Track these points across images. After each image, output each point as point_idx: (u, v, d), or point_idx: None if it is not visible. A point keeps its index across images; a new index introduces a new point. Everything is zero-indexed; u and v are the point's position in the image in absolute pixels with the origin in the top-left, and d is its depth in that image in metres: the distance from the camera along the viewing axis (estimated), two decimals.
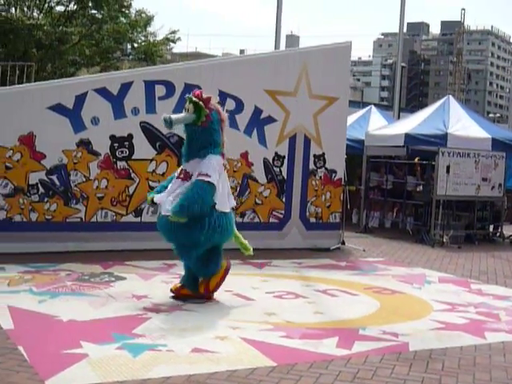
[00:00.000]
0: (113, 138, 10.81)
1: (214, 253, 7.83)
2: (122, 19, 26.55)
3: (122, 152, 10.89)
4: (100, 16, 25.77)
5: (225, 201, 7.75)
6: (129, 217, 10.99)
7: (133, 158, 10.96)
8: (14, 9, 24.35)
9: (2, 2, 23.68)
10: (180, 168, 7.93)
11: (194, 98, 7.64)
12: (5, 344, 5.90)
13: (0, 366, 5.34)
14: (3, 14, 22.35)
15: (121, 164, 10.90)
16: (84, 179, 10.66)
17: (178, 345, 6.08)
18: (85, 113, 10.60)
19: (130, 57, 28.67)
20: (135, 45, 27.41)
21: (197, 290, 7.86)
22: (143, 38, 27.71)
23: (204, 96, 7.70)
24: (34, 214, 10.37)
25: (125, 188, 10.94)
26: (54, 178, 10.46)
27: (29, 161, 10.28)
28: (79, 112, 10.56)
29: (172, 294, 7.92)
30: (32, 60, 19.94)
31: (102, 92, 10.74)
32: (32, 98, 10.35)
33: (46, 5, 25.37)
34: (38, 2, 25.09)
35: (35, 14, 25.03)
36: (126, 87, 10.92)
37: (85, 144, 10.63)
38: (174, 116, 7.64)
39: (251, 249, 8.28)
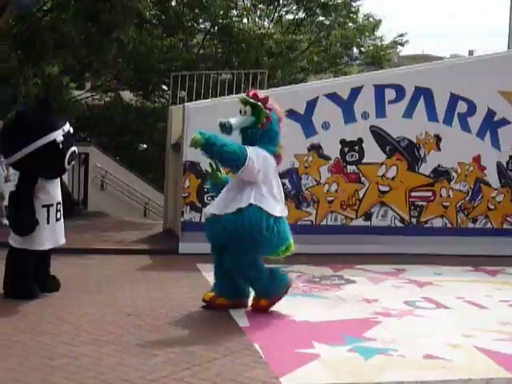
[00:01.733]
0: (343, 142, 10.91)
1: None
2: (350, 24, 26.68)
3: (352, 156, 10.96)
4: (328, 22, 26.08)
5: (269, 204, 6.93)
6: (358, 220, 11.03)
7: (363, 162, 10.99)
8: (246, 19, 25.30)
9: (235, 14, 24.69)
10: None
11: (251, 100, 6.98)
12: (242, 341, 6.13)
13: (237, 362, 5.54)
14: (236, 25, 23.28)
15: (351, 168, 10.97)
16: (315, 183, 10.85)
17: (409, 350, 5.97)
18: (316, 118, 10.78)
19: (358, 61, 28.72)
20: (363, 49, 27.42)
21: (237, 299, 7.25)
22: (371, 42, 27.64)
23: (260, 96, 7.04)
24: None
25: (354, 192, 11.00)
26: (286, 181, 10.71)
27: None
28: (310, 117, 10.77)
29: (203, 304, 7.28)
30: (263, 68, 20.57)
31: (333, 97, 10.87)
32: None
33: (276, 14, 26.10)
34: (268, 12, 25.89)
35: (265, 23, 25.84)
36: (355, 92, 10.98)
37: (316, 148, 10.82)
38: (232, 120, 6.92)
39: None
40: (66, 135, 7.45)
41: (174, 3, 22.26)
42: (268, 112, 6.93)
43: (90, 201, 16.33)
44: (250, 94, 7.03)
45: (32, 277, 7.50)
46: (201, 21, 23.44)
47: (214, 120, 10.38)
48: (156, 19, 22.45)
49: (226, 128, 6.84)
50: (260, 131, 6.96)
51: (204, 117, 10.55)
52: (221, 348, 5.86)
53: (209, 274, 8.94)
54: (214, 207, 7.07)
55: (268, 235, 6.89)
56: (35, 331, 6.29)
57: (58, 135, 7.34)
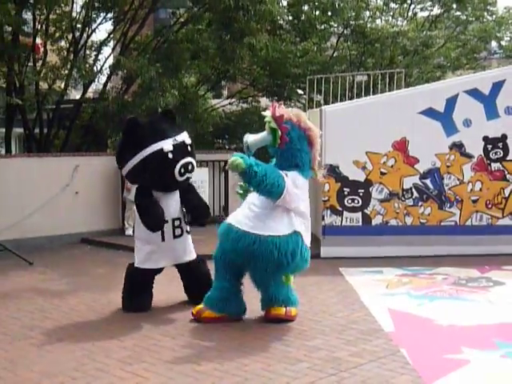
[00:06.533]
0: (486, 139, 10.55)
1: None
2: (488, 17, 25.85)
3: (496, 153, 10.57)
4: (464, 17, 25.40)
5: (307, 233, 6.78)
6: (505, 220, 10.62)
7: (507, 158, 10.58)
8: (379, 20, 25.02)
9: (368, 14, 24.47)
10: None
11: (266, 118, 6.55)
12: (388, 346, 6.03)
13: (384, 368, 5.46)
14: (368, 25, 23.09)
15: (495, 165, 10.59)
16: (458, 182, 10.55)
17: None
18: (456, 115, 10.48)
19: (497, 55, 27.78)
20: (503, 43, 26.49)
21: (230, 313, 6.88)
22: (511, 36, 26.68)
23: (276, 113, 6.51)
24: (408, 217, 10.52)
25: (500, 190, 10.60)
26: (428, 181, 10.51)
27: (402, 166, 10.47)
28: (451, 115, 10.48)
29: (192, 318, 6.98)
30: (398, 67, 20.26)
31: (473, 93, 10.53)
32: (404, 104, 10.54)
33: (410, 12, 25.67)
34: (401, 10, 25.49)
35: (399, 21, 25.46)
36: (497, 86, 10.59)
37: (457, 147, 10.52)
38: (250, 139, 6.59)
39: None
40: (178, 145, 7.19)
41: (306, 7, 22.32)
42: (281, 131, 6.51)
43: (231, 208, 16.54)
44: (271, 110, 6.59)
45: (147, 291, 7.46)
46: (333, 23, 23.37)
47: (352, 122, 10.44)
48: (289, 24, 22.58)
49: (245, 146, 6.63)
50: (279, 150, 6.66)
51: (341, 119, 10.54)
52: (367, 353, 5.79)
53: (352, 278, 8.91)
54: (242, 223, 6.66)
55: (299, 262, 6.74)
56: (182, 337, 6.43)
57: (166, 144, 7.12)
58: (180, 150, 7.21)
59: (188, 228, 7.60)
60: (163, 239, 7.34)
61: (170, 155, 7.11)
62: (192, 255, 7.60)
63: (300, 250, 6.64)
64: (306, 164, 6.76)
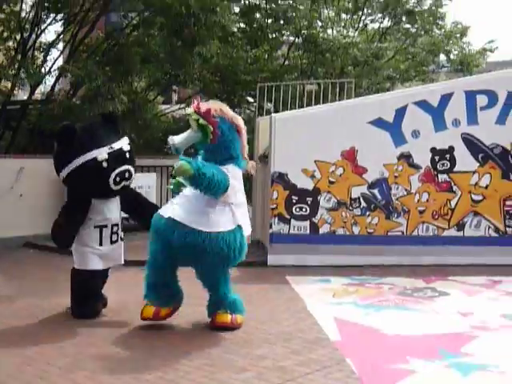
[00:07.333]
0: (433, 150, 10.65)
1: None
2: (437, 31, 26.23)
3: (444, 165, 10.68)
4: (414, 30, 25.73)
5: (246, 225, 6.79)
6: (451, 231, 10.72)
7: (454, 170, 10.69)
8: (330, 30, 25.19)
9: (320, 24, 24.61)
10: None
11: (193, 116, 6.46)
12: (334, 355, 6.00)
13: (329, 377, 5.43)
14: (320, 35, 23.22)
15: (442, 177, 10.69)
16: (405, 192, 10.63)
17: (511, 366, 5.72)
18: (405, 126, 10.57)
19: (445, 69, 28.16)
20: (451, 56, 26.90)
21: (173, 305, 6.93)
22: (459, 49, 27.11)
23: (202, 109, 6.44)
24: (356, 227, 10.56)
25: (446, 201, 10.70)
26: (376, 191, 10.58)
27: (351, 175, 10.51)
28: (399, 125, 10.56)
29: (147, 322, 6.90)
30: (348, 77, 20.40)
31: (422, 104, 10.64)
32: (353, 114, 10.58)
33: (361, 23, 25.91)
34: (352, 21, 25.70)
35: (350, 32, 25.67)
36: (446, 99, 10.71)
37: (406, 157, 10.60)
38: (176, 139, 6.43)
39: None
40: (115, 153, 7.11)
41: (258, 15, 22.33)
42: (212, 126, 6.43)
43: None
44: (194, 107, 6.50)
45: (95, 296, 7.38)
46: (285, 32, 23.44)
47: (301, 131, 10.45)
48: (240, 31, 22.57)
49: (173, 149, 6.48)
50: (211, 146, 6.55)
51: (291, 127, 10.54)
52: (313, 363, 5.75)
53: (299, 286, 8.89)
54: (186, 219, 6.54)
55: (242, 254, 6.77)
56: (126, 344, 6.32)
57: (100, 153, 7.03)
58: (116, 157, 7.14)
59: (122, 235, 7.61)
60: (101, 244, 7.32)
61: (105, 164, 7.04)
62: (121, 261, 7.66)
63: (242, 244, 6.68)
64: (239, 154, 6.73)
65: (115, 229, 7.43)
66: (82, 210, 7.24)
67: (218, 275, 6.74)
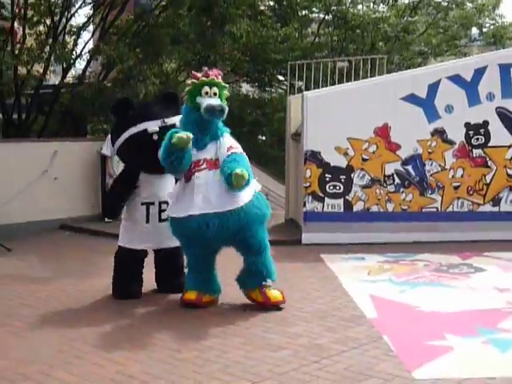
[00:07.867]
0: (468, 125, 10.53)
1: None
2: (469, 4, 25.86)
3: (478, 139, 10.56)
4: (445, 3, 25.39)
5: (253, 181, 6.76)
6: (486, 206, 10.62)
7: (489, 145, 10.57)
8: (360, 5, 24.96)
9: (350, 0, 24.40)
10: (193, 161, 6.60)
11: (216, 80, 6.59)
12: (370, 332, 5.99)
13: (366, 355, 5.42)
14: (350, 10, 23.02)
15: (476, 152, 10.57)
16: (439, 169, 10.53)
17: None
18: (438, 101, 10.45)
19: (478, 42, 27.80)
20: (483, 29, 26.52)
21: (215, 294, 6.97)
22: (491, 22, 26.71)
23: (215, 74, 6.66)
24: (390, 204, 10.51)
25: (481, 176, 10.59)
26: (410, 168, 10.49)
27: (384, 152, 10.44)
28: (432, 101, 10.45)
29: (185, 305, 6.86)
30: (379, 53, 20.23)
31: (455, 79, 10.51)
32: (385, 90, 10.49)
33: None
34: None
35: (380, 8, 25.40)
36: (479, 72, 10.56)
37: (439, 133, 10.49)
38: (217, 101, 6.57)
39: None
40: (167, 127, 6.86)
41: None
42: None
43: None
44: (211, 74, 6.63)
45: (135, 276, 7.31)
46: (315, 9, 23.28)
47: (334, 108, 10.39)
48: (270, 10, 22.45)
49: (221, 112, 6.50)
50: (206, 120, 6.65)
51: (323, 105, 10.48)
52: (349, 341, 5.74)
53: (333, 264, 8.88)
54: (203, 206, 6.46)
55: (268, 206, 7.00)
56: (162, 324, 6.37)
57: (151, 125, 7.00)
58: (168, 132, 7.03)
59: None
60: (147, 221, 7.21)
61: (155, 137, 6.95)
62: (174, 242, 7.13)
63: (264, 199, 6.87)
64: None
65: (164, 206, 7.18)
66: (128, 182, 7.21)
67: (263, 235, 6.76)
